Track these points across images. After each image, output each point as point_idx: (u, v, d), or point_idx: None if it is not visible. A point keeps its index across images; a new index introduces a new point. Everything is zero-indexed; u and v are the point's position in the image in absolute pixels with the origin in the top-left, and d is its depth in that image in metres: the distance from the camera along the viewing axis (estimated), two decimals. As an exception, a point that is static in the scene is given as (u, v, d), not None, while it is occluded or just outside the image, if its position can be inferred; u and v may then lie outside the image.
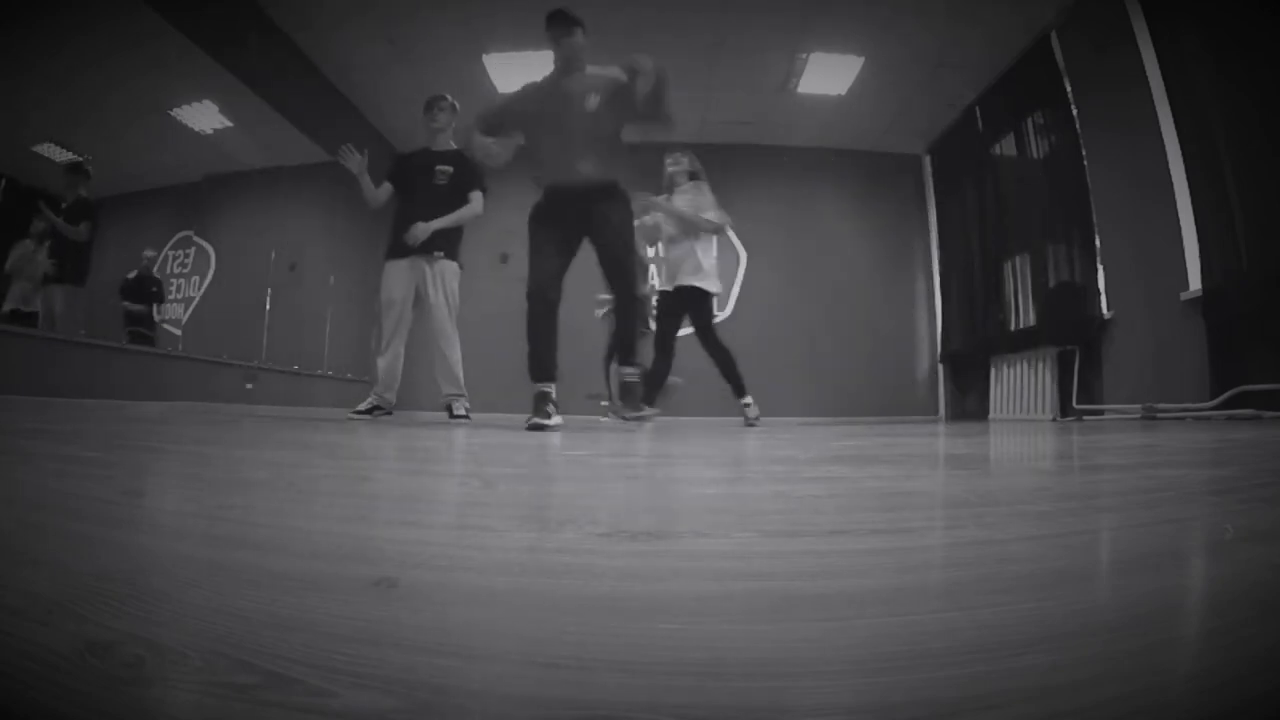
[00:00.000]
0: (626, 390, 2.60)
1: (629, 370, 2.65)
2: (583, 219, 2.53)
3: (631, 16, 4.47)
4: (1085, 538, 0.48)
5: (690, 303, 3.37)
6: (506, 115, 2.67)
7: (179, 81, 4.45)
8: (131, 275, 5.01)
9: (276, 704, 0.19)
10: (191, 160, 4.98)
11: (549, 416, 2.45)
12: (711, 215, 3.42)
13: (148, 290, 5.26)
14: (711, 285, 3.42)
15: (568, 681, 0.21)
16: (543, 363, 2.51)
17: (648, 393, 3.10)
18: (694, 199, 3.43)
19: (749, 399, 3.34)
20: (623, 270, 2.56)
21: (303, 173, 5.54)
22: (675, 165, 3.56)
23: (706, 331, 3.36)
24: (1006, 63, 4.88)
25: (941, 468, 1.06)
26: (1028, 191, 4.82)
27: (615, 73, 2.52)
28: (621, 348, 2.68)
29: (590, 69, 2.60)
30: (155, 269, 5.23)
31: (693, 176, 3.54)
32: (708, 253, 3.44)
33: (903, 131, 6.11)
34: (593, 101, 2.49)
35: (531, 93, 2.62)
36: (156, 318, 5.15)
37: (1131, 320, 3.83)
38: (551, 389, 2.51)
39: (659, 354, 3.41)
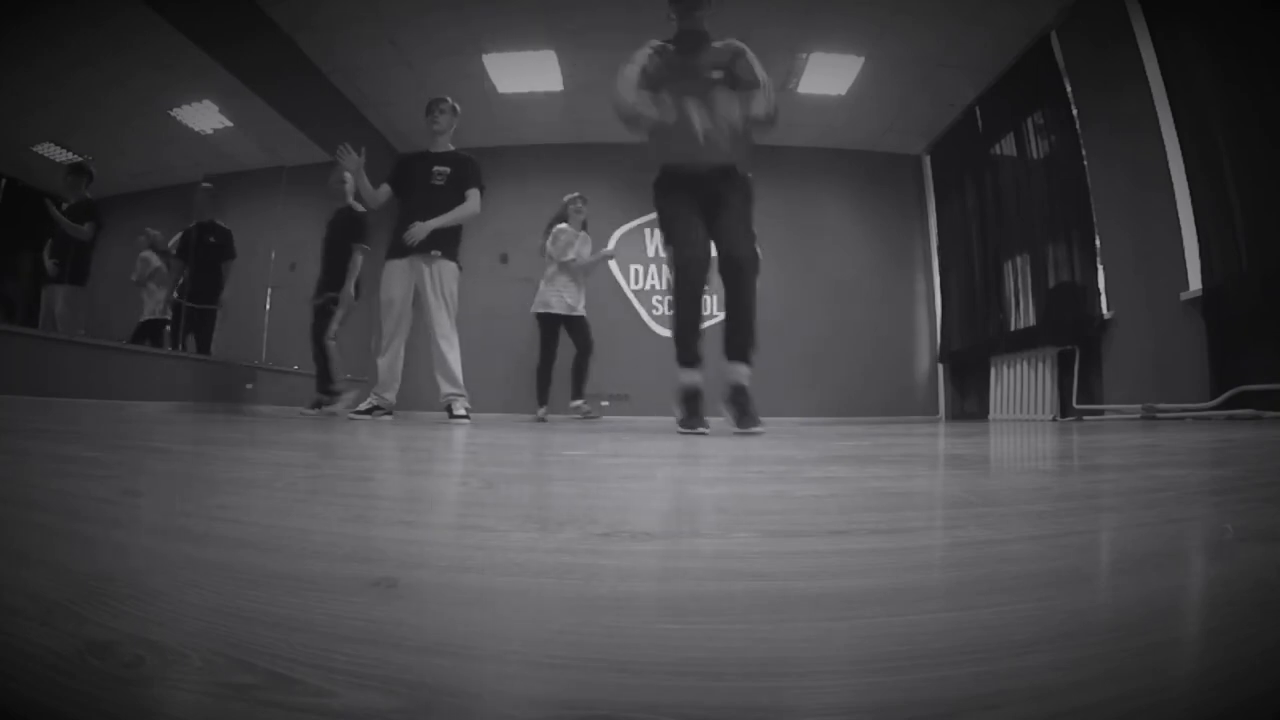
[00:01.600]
0: (737, 394, 2.23)
1: (743, 369, 2.28)
2: (706, 202, 2.33)
3: (630, 15, 4.47)
4: (1085, 538, 0.48)
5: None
6: (646, 81, 2.39)
7: (179, 81, 4.45)
8: (190, 225, 4.30)
9: (276, 704, 0.19)
10: (191, 160, 4.98)
11: (701, 420, 2.23)
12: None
13: (207, 243, 4.41)
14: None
15: (568, 681, 0.21)
16: (691, 344, 2.33)
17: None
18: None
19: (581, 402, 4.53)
20: (741, 264, 2.29)
21: (303, 173, 5.54)
22: (578, 212, 4.62)
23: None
24: (1006, 63, 4.88)
25: (942, 468, 1.06)
26: (1028, 191, 4.82)
27: (735, 45, 2.37)
28: (736, 343, 2.32)
29: (715, 42, 2.40)
30: (216, 213, 4.48)
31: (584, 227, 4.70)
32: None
33: (903, 131, 6.10)
34: (720, 77, 2.34)
35: (660, 62, 2.39)
36: (225, 282, 4.47)
37: (1131, 320, 3.83)
38: (699, 381, 2.32)
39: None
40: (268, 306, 5.39)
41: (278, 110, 4.86)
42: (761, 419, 2.16)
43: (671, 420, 2.51)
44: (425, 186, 3.21)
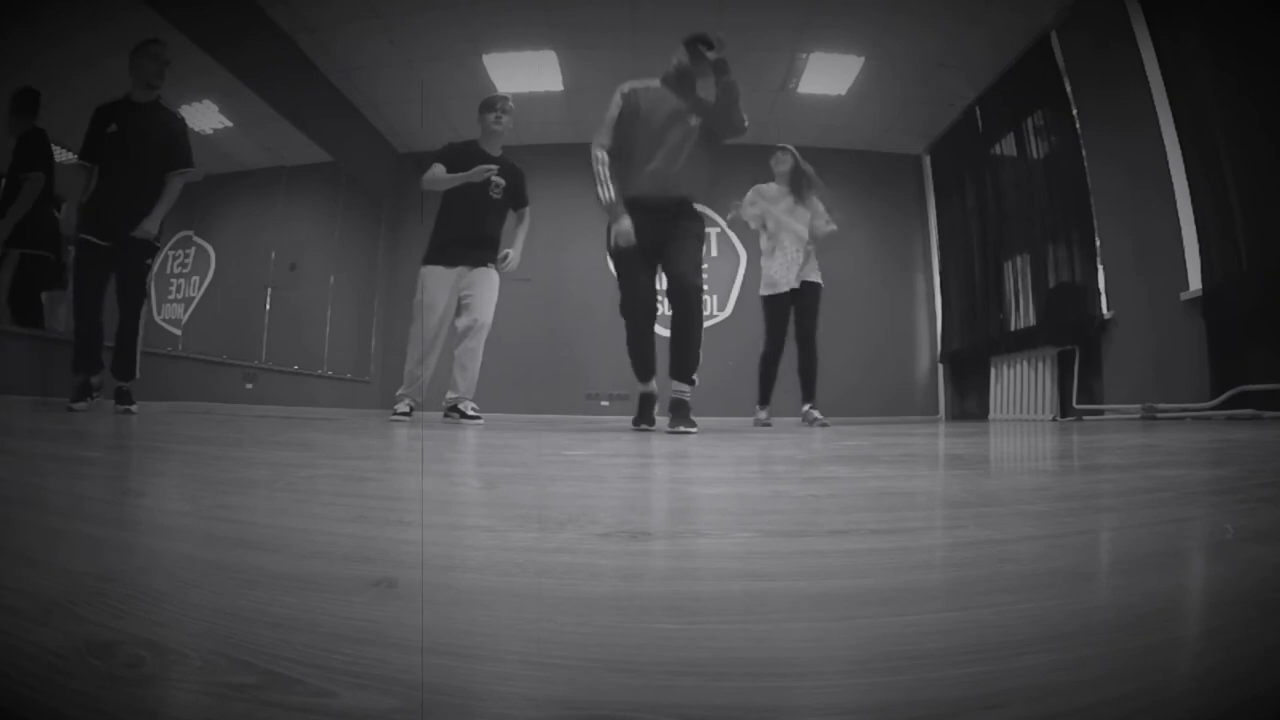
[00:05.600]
0: (677, 405, 2.51)
1: (685, 388, 2.54)
2: (657, 235, 2.52)
3: (630, 16, 4.47)
4: (1085, 538, 0.48)
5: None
6: (621, 131, 2.58)
7: (179, 81, 4.45)
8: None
9: (276, 704, 0.19)
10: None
11: (651, 419, 2.71)
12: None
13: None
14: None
15: (568, 681, 0.21)
16: (643, 368, 2.69)
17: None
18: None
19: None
20: (687, 292, 2.50)
21: (303, 173, 5.54)
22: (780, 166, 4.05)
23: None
24: (1006, 63, 4.88)
25: (941, 468, 1.06)
26: (1028, 191, 4.81)
27: (731, 84, 2.48)
28: (680, 364, 2.55)
29: (700, 81, 2.58)
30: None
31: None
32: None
33: (903, 131, 6.10)
34: (695, 121, 2.55)
35: (640, 104, 2.57)
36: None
37: (1131, 320, 3.83)
38: (654, 389, 2.75)
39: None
40: (268, 306, 5.38)
41: (278, 110, 4.86)
42: (695, 420, 2.44)
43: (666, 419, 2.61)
44: (483, 196, 3.24)
